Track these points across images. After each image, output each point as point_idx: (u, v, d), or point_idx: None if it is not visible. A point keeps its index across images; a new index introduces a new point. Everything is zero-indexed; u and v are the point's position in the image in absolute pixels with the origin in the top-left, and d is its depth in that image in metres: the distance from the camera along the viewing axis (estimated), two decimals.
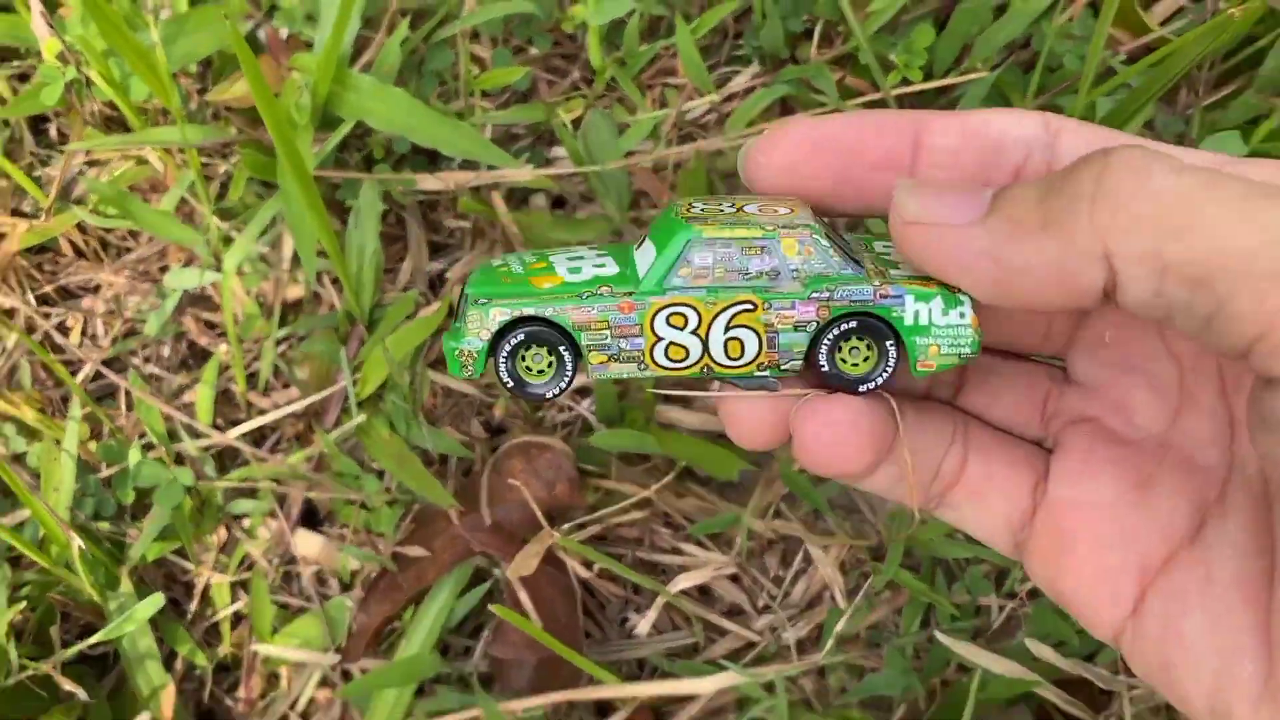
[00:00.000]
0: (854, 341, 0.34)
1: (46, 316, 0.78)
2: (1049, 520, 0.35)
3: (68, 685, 0.71)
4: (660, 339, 0.34)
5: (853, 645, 0.73)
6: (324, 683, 0.75)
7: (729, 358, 0.34)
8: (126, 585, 0.72)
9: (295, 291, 0.80)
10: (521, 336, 0.34)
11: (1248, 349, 0.26)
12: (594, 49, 0.79)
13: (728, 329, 0.34)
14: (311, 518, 0.79)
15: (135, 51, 0.68)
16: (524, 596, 0.66)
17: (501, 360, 0.34)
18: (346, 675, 0.75)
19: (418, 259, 0.80)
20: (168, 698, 0.71)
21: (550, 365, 0.34)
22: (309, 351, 0.77)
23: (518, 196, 0.82)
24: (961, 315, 0.34)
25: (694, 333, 0.34)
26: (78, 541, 0.65)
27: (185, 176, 0.74)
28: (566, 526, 0.70)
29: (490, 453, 0.75)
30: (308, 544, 0.77)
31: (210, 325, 0.80)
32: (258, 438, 0.78)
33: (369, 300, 0.76)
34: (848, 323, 0.34)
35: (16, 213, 0.78)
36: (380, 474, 0.76)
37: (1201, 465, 0.34)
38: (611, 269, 0.35)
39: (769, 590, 0.76)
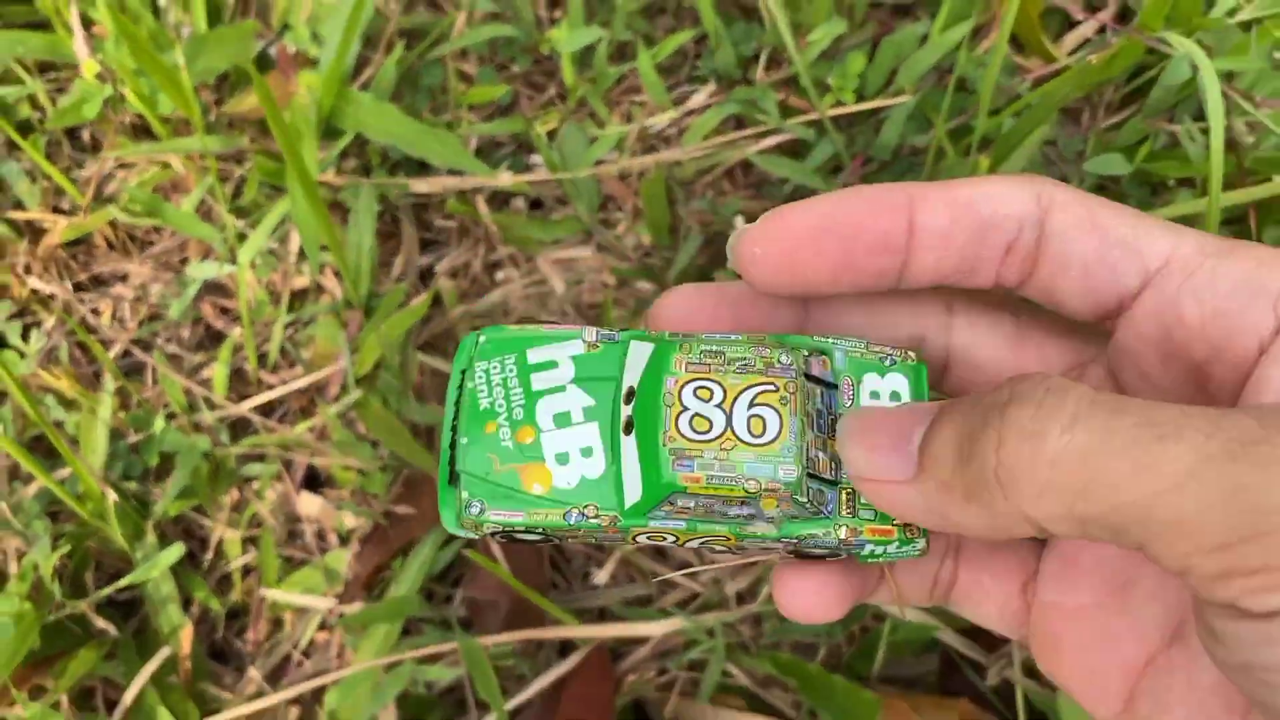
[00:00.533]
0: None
1: (82, 302, 0.88)
2: (1038, 622, 0.36)
3: (100, 623, 0.81)
4: (639, 542, 0.36)
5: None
6: (323, 626, 0.86)
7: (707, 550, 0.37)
8: (151, 537, 0.82)
9: (301, 282, 0.90)
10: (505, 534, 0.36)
11: (1179, 577, 0.27)
12: (567, 70, 0.89)
13: (702, 545, 0.36)
14: (313, 482, 0.90)
15: (161, 70, 0.78)
16: (495, 548, 0.76)
17: (496, 538, 0.36)
18: (343, 620, 0.85)
19: (410, 254, 0.90)
20: (186, 635, 0.81)
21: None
22: (313, 335, 0.87)
23: (500, 199, 0.92)
24: (915, 546, 0.35)
25: (670, 543, 0.36)
26: (112, 495, 0.75)
27: (205, 180, 0.84)
28: None
29: None
30: (310, 505, 0.87)
31: (225, 310, 0.90)
32: (267, 410, 0.88)
33: (366, 290, 0.86)
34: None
35: (56, 210, 0.88)
36: (374, 444, 0.86)
37: None
38: (595, 469, 0.35)
39: None
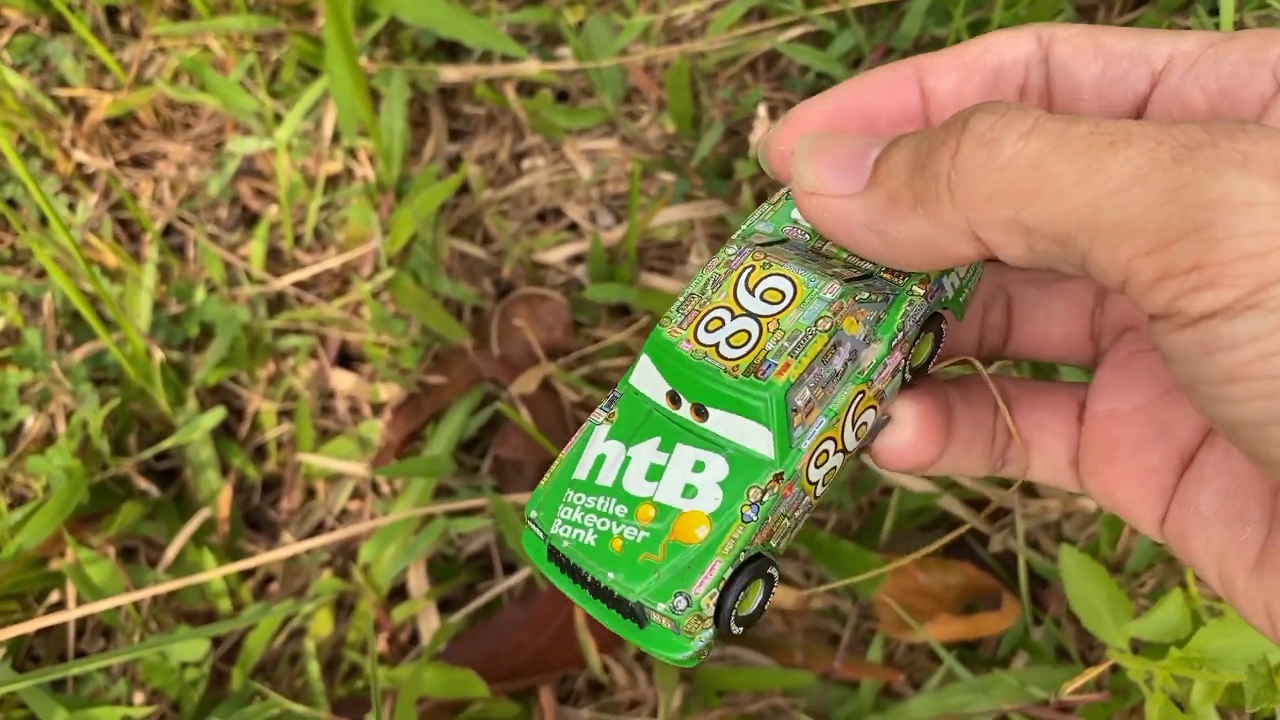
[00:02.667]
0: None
1: (126, 177, 0.91)
2: (1092, 436, 0.37)
3: (143, 484, 0.85)
4: (815, 483, 0.33)
5: None
6: (355, 494, 0.90)
7: (857, 439, 0.35)
8: (192, 403, 0.86)
9: (334, 166, 0.93)
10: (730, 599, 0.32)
11: (1121, 290, 0.27)
12: None
13: (854, 425, 0.34)
14: (345, 361, 0.93)
15: None
16: (523, 410, 0.79)
17: (731, 622, 0.32)
18: (375, 488, 0.89)
19: (439, 141, 0.93)
20: (224, 498, 0.85)
21: (755, 588, 0.33)
22: (346, 217, 0.90)
23: (527, 89, 0.94)
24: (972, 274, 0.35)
25: (837, 452, 0.34)
26: (159, 354, 0.78)
27: (244, 60, 0.87)
28: (561, 361, 0.84)
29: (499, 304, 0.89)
30: (343, 381, 0.90)
31: (261, 193, 0.93)
32: (303, 288, 0.92)
33: (397, 173, 0.89)
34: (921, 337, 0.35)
35: (100, 89, 0.91)
36: (406, 320, 0.89)
37: None
38: (719, 468, 0.33)
39: None
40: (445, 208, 0.91)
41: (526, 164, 0.94)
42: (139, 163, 0.94)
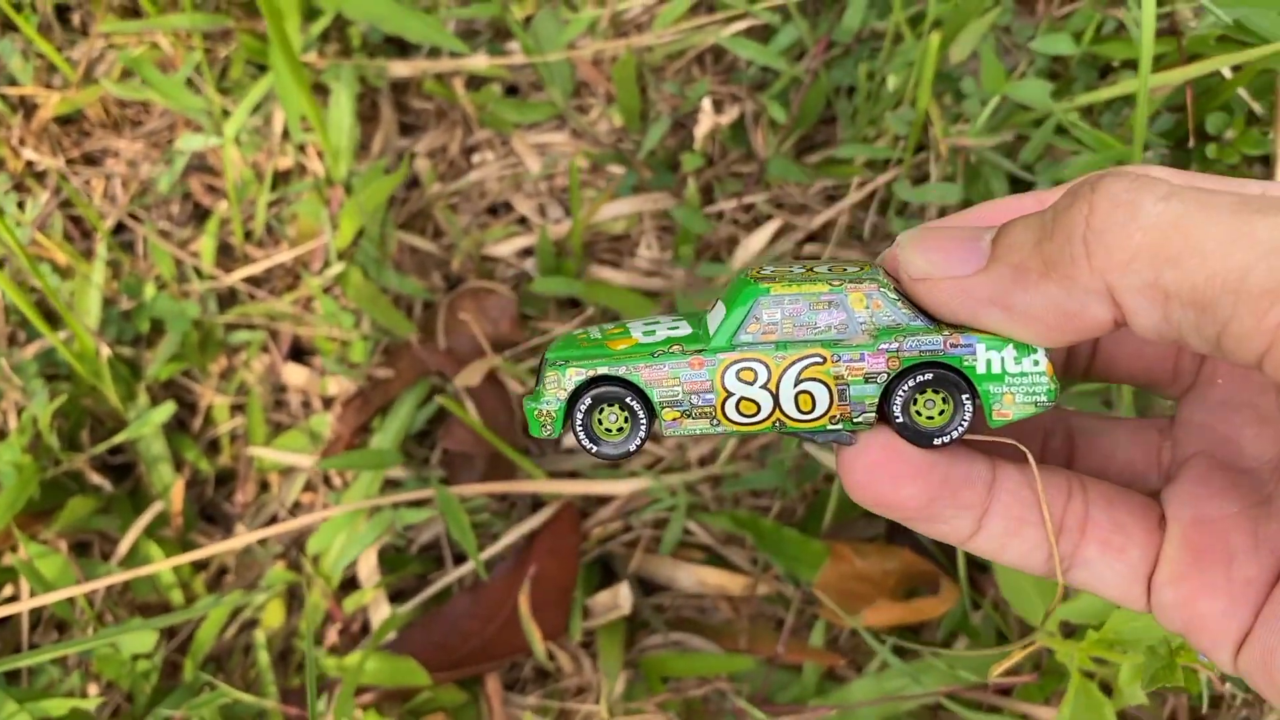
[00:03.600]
0: (929, 394, 0.34)
1: (76, 174, 0.92)
2: (1179, 543, 0.35)
3: (95, 478, 0.86)
4: (731, 394, 0.34)
5: (745, 461, 0.88)
6: (308, 487, 0.91)
7: (800, 411, 0.34)
8: (143, 398, 0.87)
9: (285, 162, 0.93)
10: (590, 400, 0.35)
11: (1259, 362, 0.26)
12: None
13: (797, 382, 0.34)
14: (299, 356, 0.94)
15: None
16: (469, 403, 0.80)
17: (578, 420, 0.35)
18: (327, 481, 0.90)
19: (389, 135, 0.94)
20: (177, 492, 0.86)
21: (625, 423, 0.35)
22: (296, 212, 0.91)
23: (476, 84, 0.95)
24: (1035, 363, 0.33)
25: (764, 387, 0.34)
26: (106, 350, 0.79)
27: (191, 57, 0.87)
28: (507, 353, 0.85)
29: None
30: (295, 375, 0.91)
31: (212, 189, 0.94)
32: (254, 284, 0.93)
33: (346, 167, 0.89)
34: (922, 374, 0.34)
35: (49, 87, 0.91)
36: (356, 314, 0.90)
37: None
38: (685, 330, 0.36)
39: None
40: (395, 202, 0.92)
41: (477, 158, 0.95)
42: (90, 160, 0.94)
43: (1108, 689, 0.68)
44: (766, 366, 0.34)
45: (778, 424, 0.34)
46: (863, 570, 0.81)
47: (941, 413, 0.34)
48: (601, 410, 0.35)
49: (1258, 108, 0.83)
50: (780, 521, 0.85)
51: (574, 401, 0.35)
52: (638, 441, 0.35)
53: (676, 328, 0.36)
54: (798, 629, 0.84)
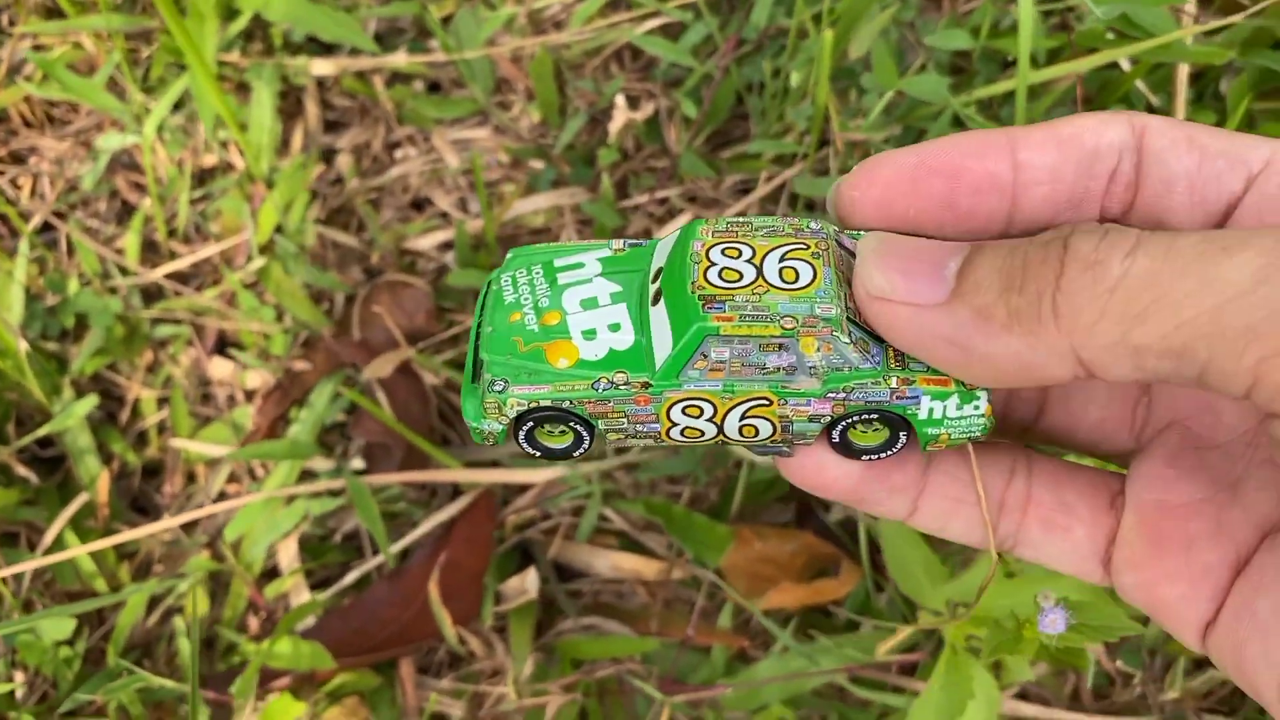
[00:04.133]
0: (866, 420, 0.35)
1: (1, 174, 0.93)
2: (1138, 527, 0.34)
3: (21, 470, 0.88)
4: (675, 424, 0.34)
5: (660, 450, 0.90)
6: (232, 479, 0.92)
7: (742, 436, 0.34)
8: (69, 392, 0.88)
9: (210, 160, 0.95)
10: (532, 423, 0.35)
11: (1245, 397, 0.27)
12: None
13: (743, 418, 0.34)
14: (225, 348, 0.96)
15: None
16: (381, 394, 0.82)
17: (522, 437, 0.35)
18: (251, 473, 0.92)
19: (312, 132, 0.95)
20: (103, 483, 0.88)
21: (567, 433, 0.35)
22: (220, 208, 0.93)
23: (400, 82, 0.97)
24: (976, 408, 0.34)
25: (709, 420, 0.34)
26: (24, 345, 0.81)
27: (112, 57, 0.89)
28: (421, 345, 0.87)
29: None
30: (221, 369, 0.93)
31: (139, 186, 0.96)
32: (181, 280, 0.94)
33: (267, 164, 0.91)
34: (864, 416, 0.34)
35: None
36: (277, 311, 0.92)
37: None
38: (627, 336, 0.34)
39: None
40: (318, 197, 0.94)
41: (399, 154, 0.97)
42: (17, 158, 0.96)
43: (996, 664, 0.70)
44: (713, 405, 0.33)
45: (719, 443, 0.34)
46: (767, 553, 0.84)
47: (877, 433, 0.34)
48: (544, 426, 0.35)
49: (1155, 100, 0.85)
50: (692, 508, 0.87)
51: (517, 421, 0.34)
52: (582, 450, 0.35)
53: (618, 323, 0.35)
54: (710, 612, 0.86)
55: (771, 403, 0.33)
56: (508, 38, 0.95)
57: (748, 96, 0.91)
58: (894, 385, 0.33)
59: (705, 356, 0.33)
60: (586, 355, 0.34)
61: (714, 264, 0.34)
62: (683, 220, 0.89)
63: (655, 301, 0.35)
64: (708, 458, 0.86)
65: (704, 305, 0.33)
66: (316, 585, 0.88)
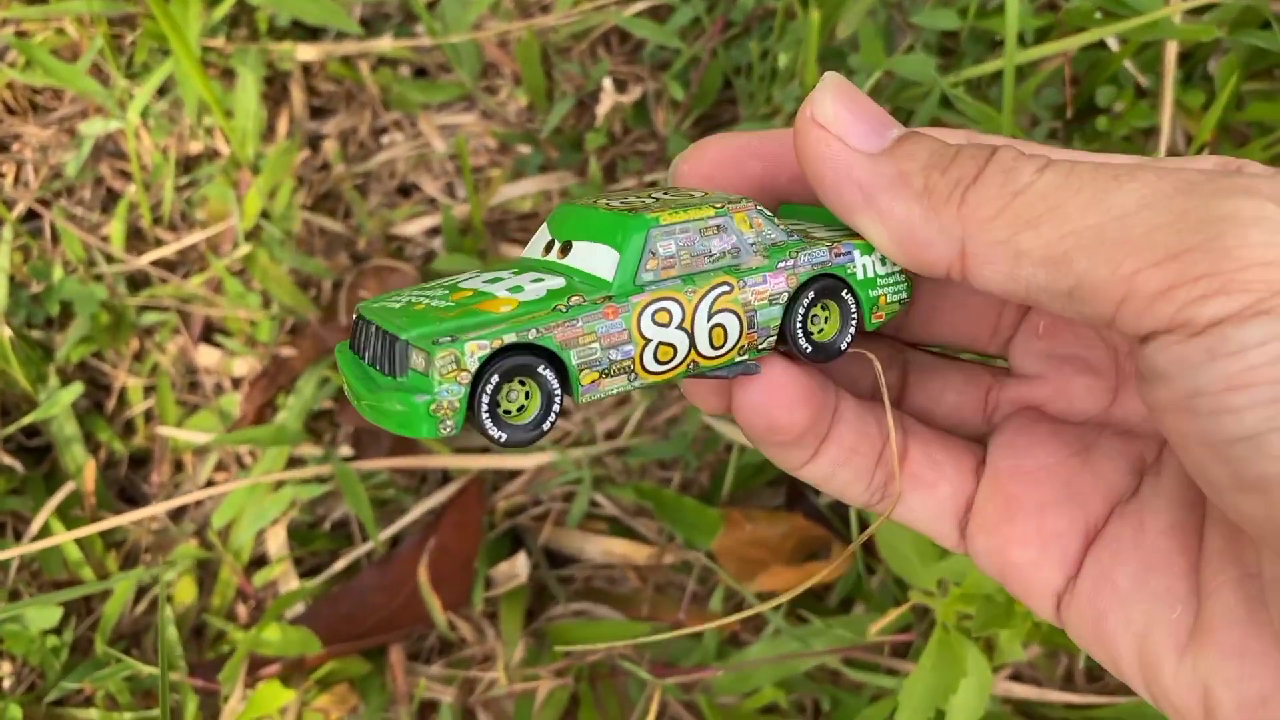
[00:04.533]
0: (816, 310, 0.34)
1: None
2: (992, 491, 0.36)
3: (7, 459, 0.87)
4: (649, 340, 0.31)
5: (651, 434, 0.90)
6: (220, 467, 0.92)
7: (713, 347, 0.33)
8: (54, 380, 0.88)
9: (196, 146, 0.94)
10: (497, 377, 0.29)
11: (1113, 315, 0.28)
12: None
13: (710, 316, 0.32)
14: (208, 334, 0.95)
15: None
16: None
17: (484, 405, 0.29)
18: (239, 461, 0.91)
19: (298, 117, 0.95)
20: (89, 471, 0.87)
21: (526, 400, 0.30)
22: (206, 195, 0.92)
23: (386, 66, 0.96)
24: (894, 266, 0.35)
25: (679, 327, 0.32)
26: (8, 331, 0.80)
27: (95, 42, 0.88)
28: None
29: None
30: (208, 356, 0.92)
31: (124, 173, 0.95)
32: (168, 267, 0.94)
33: (253, 150, 0.91)
34: (814, 287, 0.34)
35: None
36: (264, 297, 0.91)
37: (1140, 433, 0.36)
38: (555, 282, 0.32)
39: None
40: (304, 183, 0.93)
41: (386, 139, 0.96)
42: (1, 146, 0.95)
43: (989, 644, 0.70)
44: (680, 304, 0.32)
45: (691, 365, 0.32)
46: (758, 536, 0.83)
47: (829, 322, 0.35)
48: (507, 392, 0.29)
49: (1144, 80, 0.85)
50: (683, 492, 0.86)
51: (475, 383, 0.29)
52: (551, 419, 0.30)
53: (540, 279, 0.32)
54: (702, 596, 0.86)
55: (733, 288, 0.33)
56: (494, 22, 0.94)
57: (735, 79, 0.91)
58: (829, 245, 0.34)
59: (654, 255, 0.32)
60: (526, 299, 0.31)
61: (619, 203, 0.33)
62: None
63: (566, 251, 0.33)
64: (697, 442, 0.86)
65: (631, 214, 0.32)
66: (306, 573, 0.88)
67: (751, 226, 0.33)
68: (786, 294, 0.33)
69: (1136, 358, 0.29)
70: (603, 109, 0.89)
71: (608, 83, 0.89)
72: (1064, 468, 0.35)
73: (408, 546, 0.85)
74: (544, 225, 0.35)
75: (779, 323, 0.34)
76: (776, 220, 0.34)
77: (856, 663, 0.79)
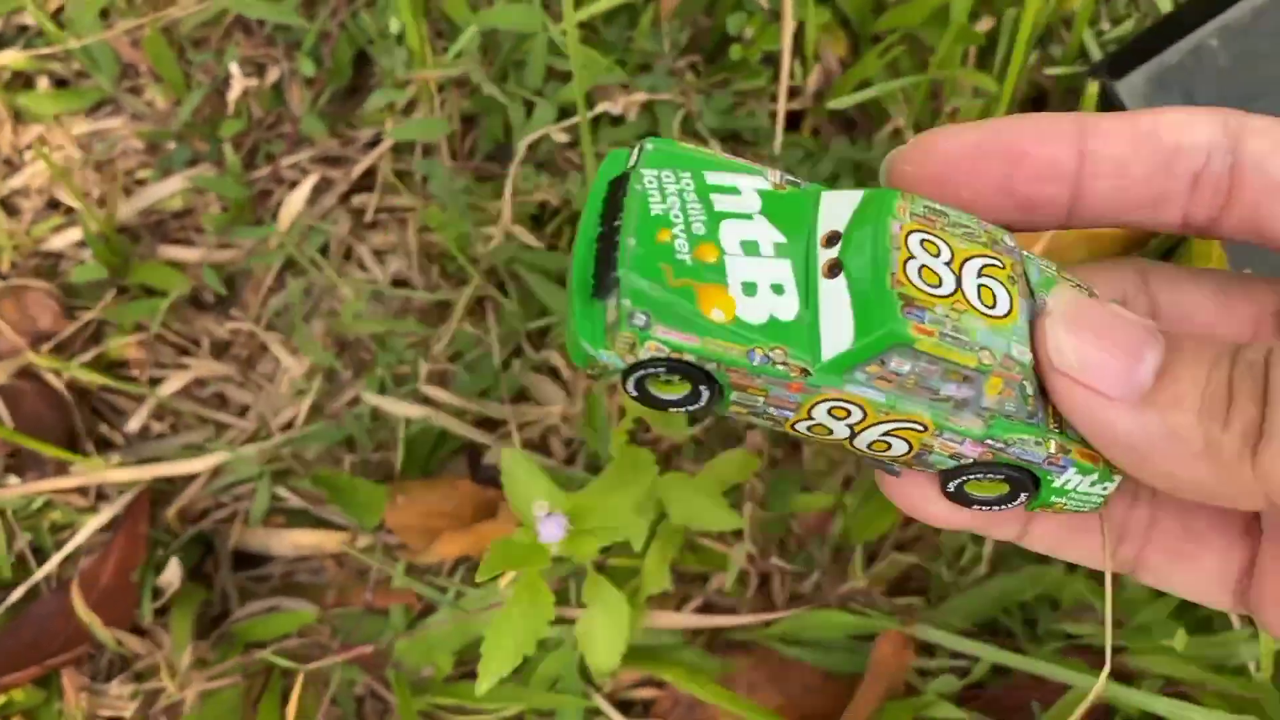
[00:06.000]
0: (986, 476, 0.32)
1: None
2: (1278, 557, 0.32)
3: None
4: (812, 419, 0.30)
5: (330, 420, 0.89)
6: None
7: (868, 448, 0.31)
8: None
9: None
10: (658, 369, 0.29)
11: None
12: None
13: (886, 434, 0.30)
14: None
15: None
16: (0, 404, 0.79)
17: (632, 382, 0.30)
18: None
19: None
20: None
21: (684, 385, 0.30)
22: None
23: (20, 82, 0.93)
24: (1104, 489, 0.32)
25: (848, 425, 0.30)
26: None
27: None
28: (46, 348, 0.84)
29: None
30: None
31: None
32: None
33: None
34: (1001, 472, 0.31)
35: None
36: None
37: None
38: (786, 309, 0.29)
39: (260, 385, 0.91)
40: None
41: (29, 155, 0.93)
42: None
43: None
44: (864, 412, 0.29)
45: (840, 444, 0.31)
46: (434, 506, 0.83)
47: (995, 485, 0.32)
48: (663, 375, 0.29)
49: (764, 2, 0.85)
50: (363, 475, 0.85)
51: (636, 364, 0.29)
52: (694, 407, 0.30)
53: (782, 289, 0.29)
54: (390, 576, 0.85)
55: (925, 429, 0.30)
56: (122, 21, 0.92)
57: (370, 49, 0.89)
58: (1051, 450, 0.30)
59: (883, 364, 0.29)
60: (744, 314, 0.29)
61: (914, 256, 0.29)
62: (308, 184, 0.87)
63: (832, 274, 0.30)
64: (365, 419, 0.85)
65: (903, 307, 0.28)
66: None
67: (1000, 395, 0.29)
68: (971, 460, 0.31)
69: None
70: (233, 94, 0.87)
71: (234, 68, 0.87)
72: None
73: (86, 567, 0.83)
74: (861, 200, 0.31)
75: (945, 467, 0.31)
76: (1029, 395, 0.30)
77: None
